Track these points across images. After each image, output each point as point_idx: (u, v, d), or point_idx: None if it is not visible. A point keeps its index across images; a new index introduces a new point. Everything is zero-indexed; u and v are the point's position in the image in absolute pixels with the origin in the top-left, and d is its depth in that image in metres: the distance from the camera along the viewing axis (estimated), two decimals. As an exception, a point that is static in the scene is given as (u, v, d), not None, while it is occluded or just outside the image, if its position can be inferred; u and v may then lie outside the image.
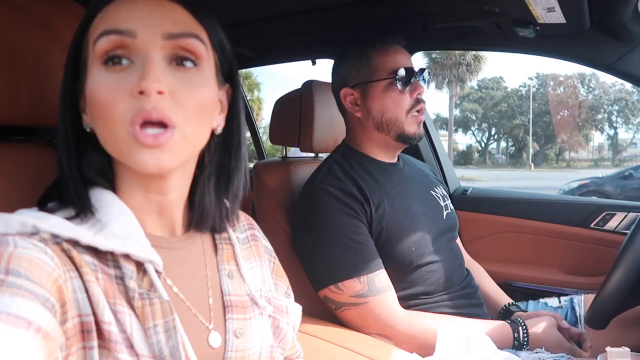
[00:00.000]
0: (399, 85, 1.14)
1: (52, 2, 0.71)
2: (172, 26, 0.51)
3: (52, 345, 0.40)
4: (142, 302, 0.49)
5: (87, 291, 0.47)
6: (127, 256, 0.51)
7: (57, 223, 0.48)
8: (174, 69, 0.51)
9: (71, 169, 0.53)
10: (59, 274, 0.45)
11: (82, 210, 0.51)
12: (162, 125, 0.49)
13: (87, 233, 0.49)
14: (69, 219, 0.50)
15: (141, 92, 0.48)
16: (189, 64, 0.52)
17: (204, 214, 0.60)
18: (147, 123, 0.48)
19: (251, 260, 0.67)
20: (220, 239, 0.64)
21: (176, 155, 0.51)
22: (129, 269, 0.50)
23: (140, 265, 0.52)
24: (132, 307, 0.49)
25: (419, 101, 1.16)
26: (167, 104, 0.49)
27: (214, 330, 0.56)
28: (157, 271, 0.53)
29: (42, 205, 0.53)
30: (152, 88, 0.48)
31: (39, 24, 0.67)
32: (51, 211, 0.51)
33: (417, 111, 1.16)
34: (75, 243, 0.48)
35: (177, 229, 0.59)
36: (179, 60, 0.52)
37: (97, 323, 0.46)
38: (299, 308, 0.70)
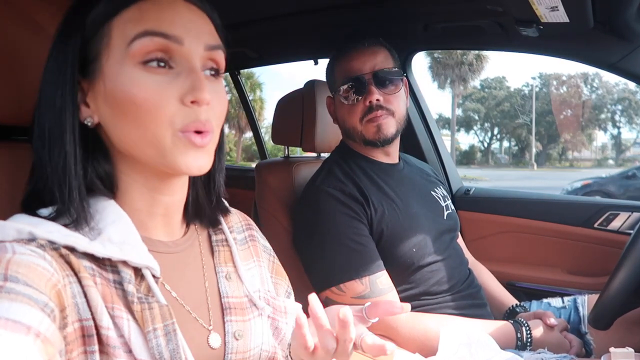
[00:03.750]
0: (349, 95, 1.15)
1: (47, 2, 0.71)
2: (210, 38, 0.53)
3: (52, 349, 0.40)
4: (141, 306, 0.49)
5: (86, 296, 0.47)
6: (125, 261, 0.50)
7: (52, 229, 0.48)
8: (206, 79, 0.53)
9: (77, 173, 0.51)
10: (58, 279, 0.45)
11: (82, 216, 0.50)
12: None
13: (84, 240, 0.48)
14: (65, 225, 0.49)
15: (194, 102, 0.50)
16: (215, 74, 0.55)
17: (200, 210, 0.63)
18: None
19: (249, 261, 0.67)
20: (217, 241, 0.64)
21: (211, 158, 0.54)
22: (128, 273, 0.50)
23: (138, 270, 0.51)
24: (131, 312, 0.48)
25: (371, 108, 1.13)
26: (210, 114, 0.52)
27: (214, 331, 0.57)
28: (154, 276, 0.52)
29: (27, 207, 0.51)
30: (206, 99, 0.50)
31: (37, 24, 0.67)
32: (46, 216, 0.50)
33: (371, 117, 1.13)
34: (73, 248, 0.48)
35: (176, 232, 0.60)
36: (207, 71, 0.54)
37: (97, 328, 0.46)
38: (298, 307, 0.70)
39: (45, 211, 0.50)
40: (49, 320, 0.41)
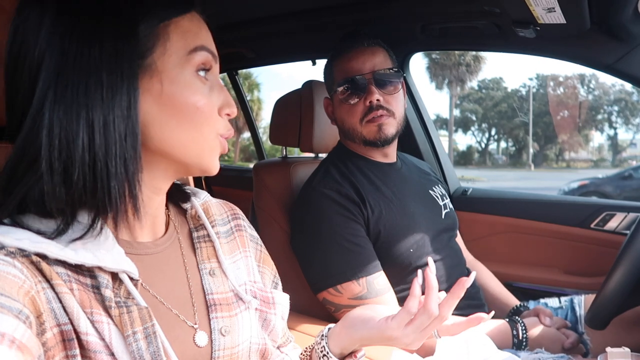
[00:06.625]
0: (348, 95, 1.14)
1: None
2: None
3: (29, 356, 0.40)
4: (119, 311, 0.48)
5: (61, 301, 0.46)
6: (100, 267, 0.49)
7: (22, 237, 0.46)
8: None
9: (134, 186, 0.50)
10: (31, 286, 0.44)
11: (68, 225, 0.47)
12: None
13: (55, 247, 0.47)
14: (41, 233, 0.47)
15: (227, 115, 0.57)
16: None
17: (178, 196, 0.66)
18: None
19: (235, 253, 0.67)
20: (198, 237, 0.64)
21: None
22: (105, 277, 0.49)
23: (115, 274, 0.51)
24: (110, 316, 0.48)
25: (371, 108, 1.13)
26: None
27: (200, 330, 0.56)
28: (133, 279, 0.52)
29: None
30: (236, 114, 0.58)
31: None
32: (21, 223, 0.47)
33: (372, 117, 1.13)
34: (44, 255, 0.46)
35: (160, 230, 0.60)
36: None
37: (76, 332, 0.46)
38: (286, 297, 0.70)
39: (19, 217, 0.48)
40: (24, 327, 0.40)
